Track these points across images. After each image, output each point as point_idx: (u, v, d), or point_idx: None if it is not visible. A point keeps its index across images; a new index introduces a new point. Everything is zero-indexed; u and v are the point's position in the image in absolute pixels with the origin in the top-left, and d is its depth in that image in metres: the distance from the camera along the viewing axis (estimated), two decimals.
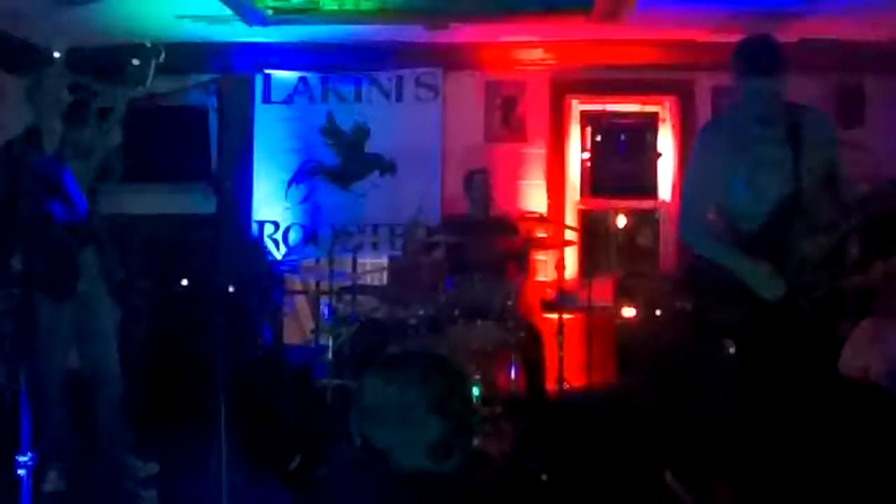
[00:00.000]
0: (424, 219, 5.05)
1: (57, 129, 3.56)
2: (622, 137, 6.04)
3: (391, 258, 5.72)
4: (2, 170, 3.49)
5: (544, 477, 3.78)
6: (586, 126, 6.02)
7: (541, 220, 5.23)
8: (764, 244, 2.82)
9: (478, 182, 5.11)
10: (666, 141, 5.97)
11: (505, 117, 5.87)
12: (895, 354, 3.79)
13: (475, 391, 3.82)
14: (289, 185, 5.91)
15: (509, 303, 4.32)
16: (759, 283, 2.79)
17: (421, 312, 4.45)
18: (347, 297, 4.98)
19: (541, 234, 5.00)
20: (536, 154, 5.84)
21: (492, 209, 5.12)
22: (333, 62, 5.83)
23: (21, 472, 2.45)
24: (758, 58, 2.77)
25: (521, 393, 4.35)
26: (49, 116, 3.56)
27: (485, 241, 4.44)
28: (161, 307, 5.16)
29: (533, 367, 4.48)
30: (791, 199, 2.80)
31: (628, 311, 5.18)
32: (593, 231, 5.89)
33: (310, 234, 5.88)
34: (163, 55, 3.50)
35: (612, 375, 5.17)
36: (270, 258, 5.81)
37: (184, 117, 5.47)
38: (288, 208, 5.91)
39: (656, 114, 6.02)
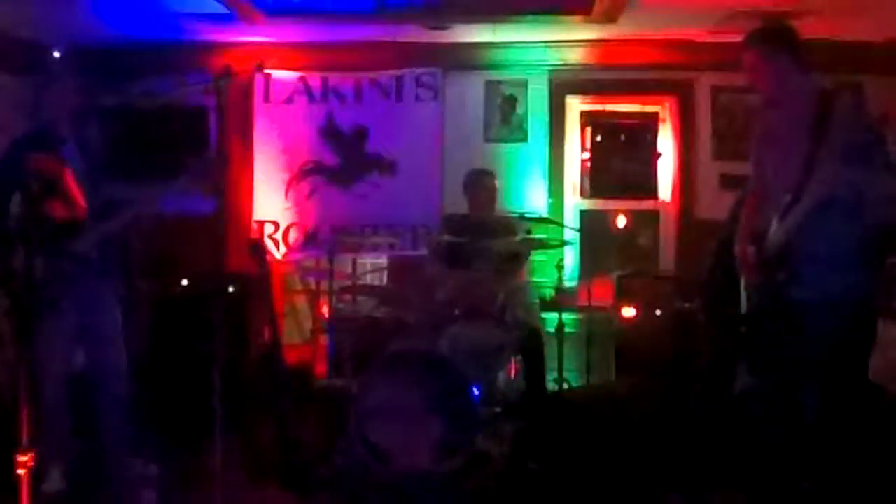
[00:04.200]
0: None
1: (64, 129, 3.56)
2: (622, 137, 6.05)
3: (391, 258, 5.73)
4: (6, 169, 3.48)
5: (544, 476, 3.78)
6: (586, 126, 6.03)
7: (541, 220, 5.22)
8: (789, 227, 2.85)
9: (482, 181, 4.95)
10: (666, 141, 5.97)
11: (505, 117, 5.88)
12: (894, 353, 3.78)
13: (475, 391, 3.82)
14: (289, 185, 5.91)
15: (509, 303, 4.31)
16: None
17: (421, 312, 4.45)
18: (347, 297, 4.98)
19: (541, 234, 4.99)
20: (536, 154, 5.84)
21: (495, 209, 5.02)
22: (333, 62, 5.83)
23: (21, 472, 2.45)
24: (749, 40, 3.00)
25: (521, 393, 4.34)
26: (59, 116, 3.56)
27: (485, 241, 4.42)
28: (160, 307, 5.15)
29: (533, 368, 4.48)
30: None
31: (628, 311, 5.18)
32: (593, 231, 5.88)
33: (310, 234, 5.89)
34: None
35: (612, 375, 5.17)
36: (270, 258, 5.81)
37: (184, 117, 5.47)
38: (288, 208, 5.91)
39: (656, 114, 6.02)
